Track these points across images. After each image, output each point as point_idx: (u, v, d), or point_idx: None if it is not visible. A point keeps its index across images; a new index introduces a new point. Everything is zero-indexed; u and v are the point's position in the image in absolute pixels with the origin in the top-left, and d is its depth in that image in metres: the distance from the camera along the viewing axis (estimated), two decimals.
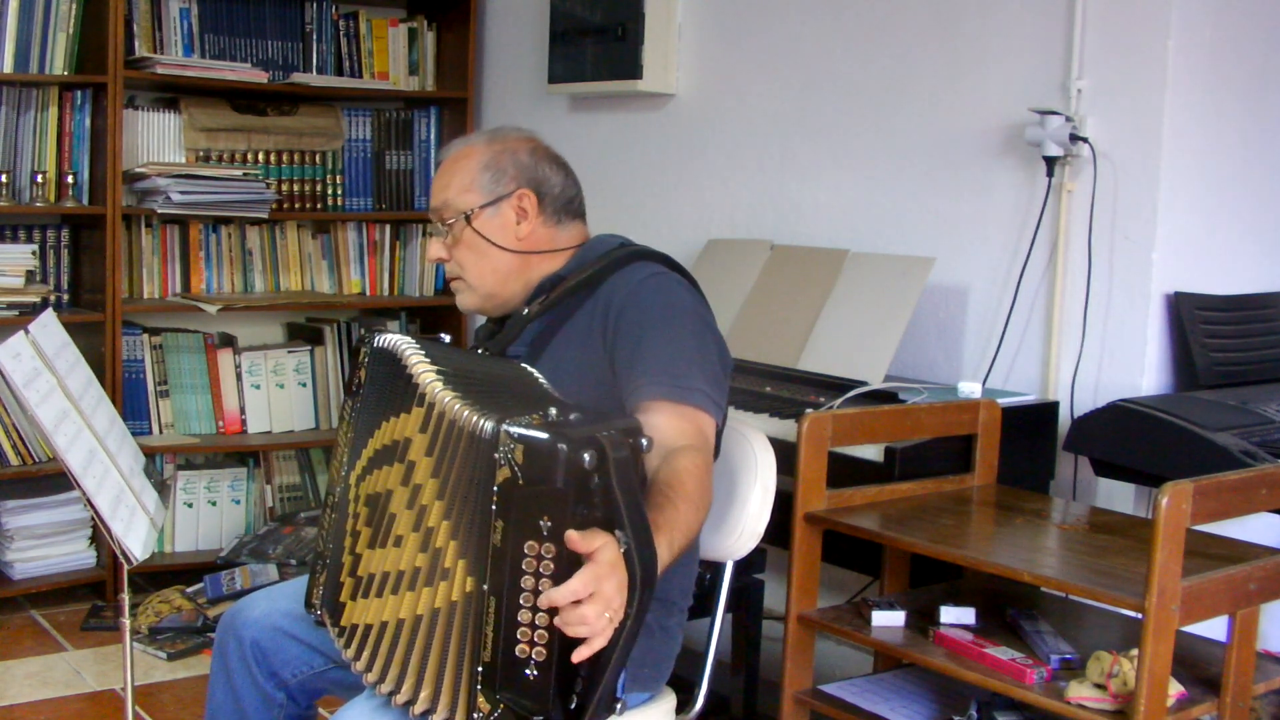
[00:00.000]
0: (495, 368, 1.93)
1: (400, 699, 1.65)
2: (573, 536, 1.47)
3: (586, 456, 1.49)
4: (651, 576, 1.53)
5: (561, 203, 2.06)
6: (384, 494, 1.77)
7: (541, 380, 1.81)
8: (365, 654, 1.73)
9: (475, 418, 1.61)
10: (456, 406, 1.64)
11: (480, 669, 1.55)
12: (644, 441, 1.58)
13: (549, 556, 1.50)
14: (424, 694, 1.63)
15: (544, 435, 1.51)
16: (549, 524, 1.50)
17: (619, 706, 1.60)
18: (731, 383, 2.01)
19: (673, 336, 1.88)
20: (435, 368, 1.74)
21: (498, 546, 1.53)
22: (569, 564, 1.49)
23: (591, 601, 1.46)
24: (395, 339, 1.86)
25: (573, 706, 1.54)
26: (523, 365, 1.88)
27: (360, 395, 1.94)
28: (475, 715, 1.55)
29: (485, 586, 1.55)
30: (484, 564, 1.55)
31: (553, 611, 1.48)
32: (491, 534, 1.54)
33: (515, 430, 1.53)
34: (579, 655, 1.48)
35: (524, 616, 1.51)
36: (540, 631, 1.51)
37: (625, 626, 1.52)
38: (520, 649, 1.52)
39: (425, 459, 1.69)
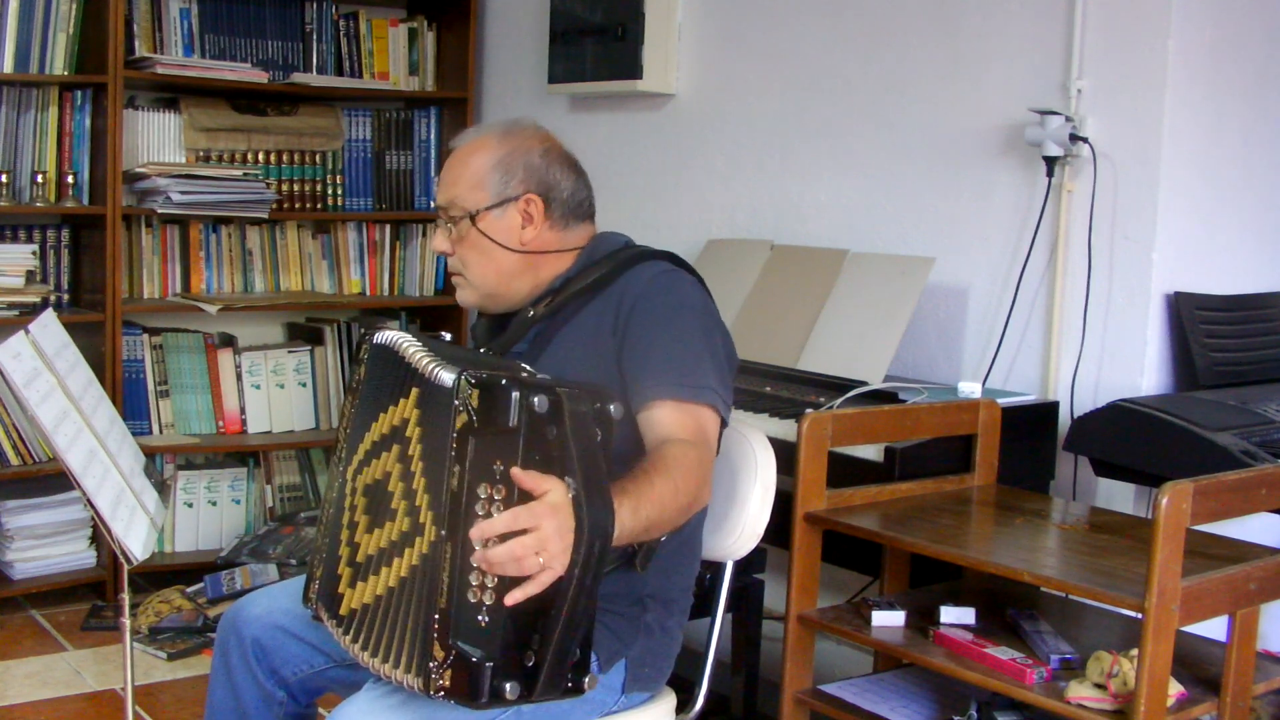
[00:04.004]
0: (494, 360, 1.93)
1: (388, 669, 1.67)
2: (518, 473, 1.50)
3: (537, 400, 1.51)
4: (601, 529, 1.53)
5: (570, 206, 2.03)
6: (383, 478, 1.79)
7: (530, 369, 1.82)
8: (363, 635, 1.75)
9: (439, 370, 1.66)
10: (432, 368, 1.68)
11: (436, 616, 1.56)
12: (612, 408, 1.59)
13: (499, 499, 1.52)
14: (404, 658, 1.64)
15: (499, 378, 1.54)
16: (501, 467, 1.52)
17: (588, 680, 1.59)
18: (735, 377, 2.02)
19: (682, 335, 1.89)
20: (431, 354, 1.76)
21: (454, 491, 1.55)
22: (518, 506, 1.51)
23: (523, 538, 1.47)
24: (395, 335, 1.87)
25: (530, 664, 1.53)
26: (521, 364, 1.89)
27: (359, 392, 1.95)
28: (430, 664, 1.55)
29: (443, 532, 1.57)
30: (443, 511, 1.58)
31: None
32: (450, 479, 1.56)
33: (473, 376, 1.56)
34: (511, 598, 1.49)
35: (475, 560, 1.52)
36: (489, 576, 1.52)
37: (575, 578, 1.51)
38: (472, 593, 1.53)
39: (417, 429, 1.73)
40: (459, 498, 1.54)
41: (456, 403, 1.57)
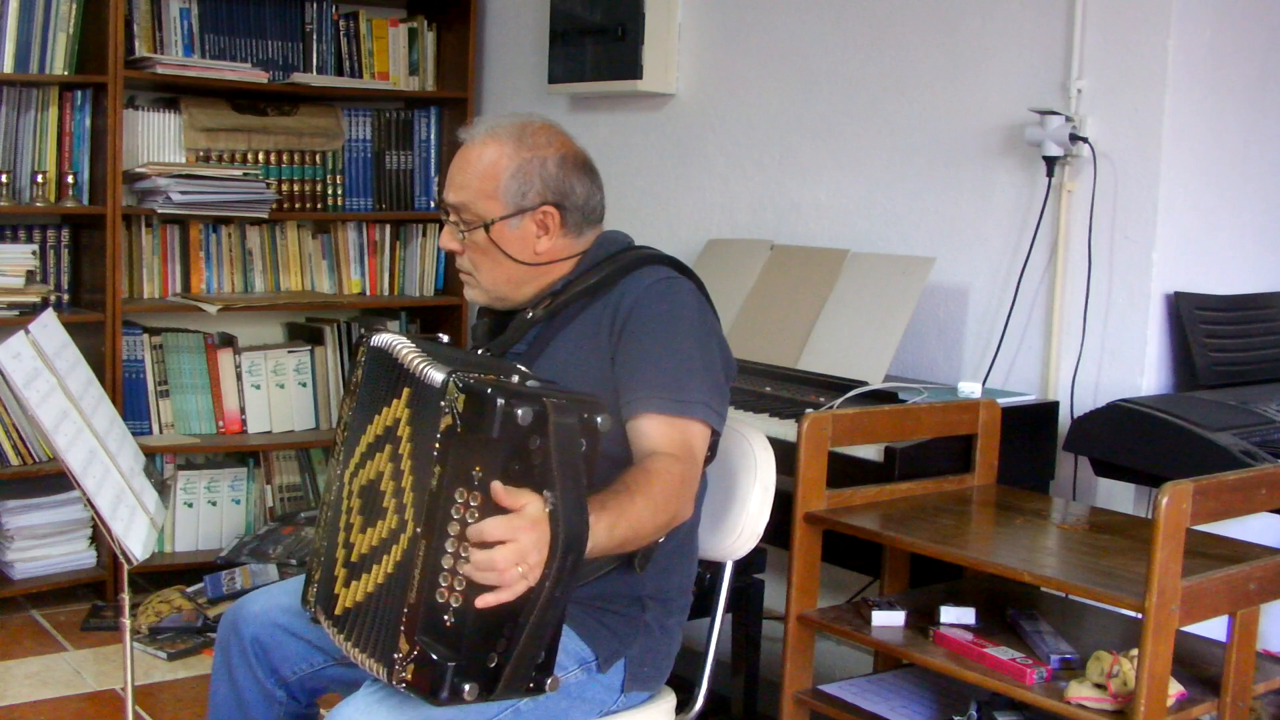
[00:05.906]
0: (488, 362, 1.94)
1: (371, 663, 1.68)
2: (497, 488, 1.52)
3: (521, 412, 1.52)
4: (576, 543, 1.55)
5: (585, 213, 2.03)
6: (376, 479, 1.80)
7: (525, 371, 1.82)
8: (355, 633, 1.76)
9: (430, 369, 1.68)
10: (423, 367, 1.69)
11: (405, 610, 1.57)
12: (599, 419, 1.60)
13: (475, 505, 1.53)
14: (375, 647, 1.66)
15: (485, 387, 1.54)
16: (480, 474, 1.54)
17: (550, 682, 1.61)
18: (732, 384, 2.02)
19: (675, 346, 1.89)
20: (425, 355, 1.77)
21: (433, 491, 1.57)
22: (494, 515, 1.52)
23: (504, 548, 1.50)
24: (391, 338, 1.88)
25: (492, 665, 1.55)
26: (517, 365, 1.89)
27: (356, 394, 1.95)
28: (395, 655, 1.57)
29: (419, 530, 1.59)
30: (422, 509, 1.59)
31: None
32: (430, 479, 1.58)
33: (461, 380, 1.57)
34: (484, 601, 1.51)
35: (446, 562, 1.54)
36: (459, 578, 1.53)
37: (545, 590, 1.54)
38: (440, 593, 1.55)
39: (408, 429, 1.73)
40: (436, 497, 1.56)
41: (443, 404, 1.58)
